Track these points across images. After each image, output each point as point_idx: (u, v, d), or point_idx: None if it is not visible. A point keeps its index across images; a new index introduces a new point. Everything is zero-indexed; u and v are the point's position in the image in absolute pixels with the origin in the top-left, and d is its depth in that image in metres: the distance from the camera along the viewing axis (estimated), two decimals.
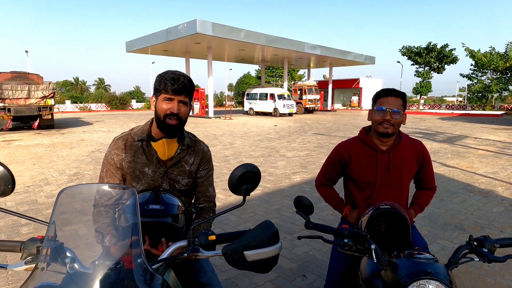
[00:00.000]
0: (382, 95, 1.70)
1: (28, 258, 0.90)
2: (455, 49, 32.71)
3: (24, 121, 15.10)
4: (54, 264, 0.79)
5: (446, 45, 32.83)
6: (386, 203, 1.56)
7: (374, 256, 1.15)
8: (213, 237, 1.01)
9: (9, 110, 13.83)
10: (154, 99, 1.42)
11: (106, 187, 1.02)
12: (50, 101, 14.91)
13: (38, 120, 14.77)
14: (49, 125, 15.35)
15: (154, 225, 1.18)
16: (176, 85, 1.33)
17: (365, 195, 1.76)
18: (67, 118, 22.84)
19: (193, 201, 1.64)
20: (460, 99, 51.90)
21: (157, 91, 1.39)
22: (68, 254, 0.81)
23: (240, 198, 1.18)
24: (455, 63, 33.23)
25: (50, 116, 15.07)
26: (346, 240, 1.21)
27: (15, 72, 15.39)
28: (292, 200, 5.09)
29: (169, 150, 1.45)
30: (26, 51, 30.87)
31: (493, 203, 4.53)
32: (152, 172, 1.43)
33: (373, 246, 1.16)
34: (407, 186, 1.78)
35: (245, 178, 1.12)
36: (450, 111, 31.08)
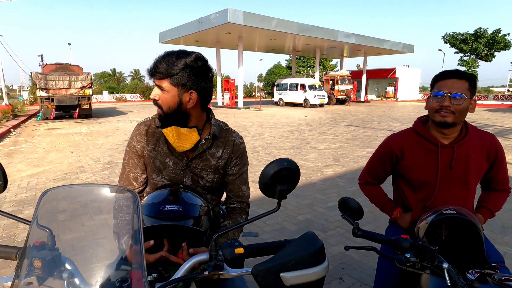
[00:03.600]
0: (440, 77, 1.41)
1: None
2: (508, 34, 29.87)
3: (65, 111, 15.89)
4: (49, 279, 0.64)
5: (499, 30, 30.03)
6: (450, 207, 1.29)
7: (447, 277, 0.91)
8: (240, 250, 0.81)
9: (52, 100, 14.60)
10: None
11: (102, 189, 0.86)
12: (88, 91, 15.54)
13: (77, 110, 15.49)
14: (87, 114, 16.04)
15: (173, 229, 1.02)
16: (150, 66, 1.13)
17: (420, 197, 1.49)
18: (104, 108, 23.83)
19: (222, 198, 1.46)
20: (511, 89, 47.68)
21: None
22: (68, 266, 0.66)
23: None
24: (508, 49, 30.35)
25: (88, 106, 15.73)
26: (407, 255, 0.97)
27: (58, 64, 16.23)
28: (324, 194, 4.76)
29: (181, 140, 1.22)
30: (69, 44, 32.58)
31: None
32: (173, 164, 1.27)
33: (445, 265, 0.92)
34: (474, 187, 1.48)
35: (281, 177, 0.89)
36: (499, 102, 28.64)
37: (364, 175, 1.69)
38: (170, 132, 1.22)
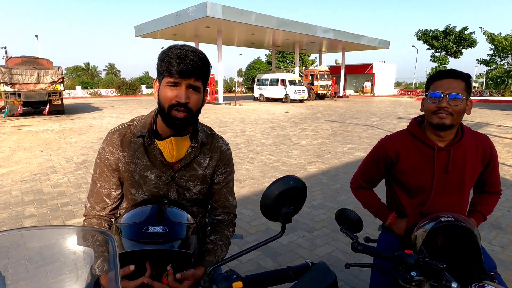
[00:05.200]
0: (436, 77, 1.35)
1: None
2: (474, 32, 31.47)
3: (34, 107, 15.06)
4: None
5: (466, 28, 31.50)
6: (448, 214, 1.24)
7: None
8: (239, 284, 0.70)
9: (19, 95, 13.78)
10: (156, 83, 1.09)
11: (67, 233, 0.71)
12: (60, 86, 14.79)
13: (48, 106, 14.70)
14: (59, 110, 15.28)
15: (158, 252, 0.90)
16: (183, 65, 0.98)
17: (416, 202, 1.44)
18: (77, 104, 22.84)
19: (208, 209, 1.34)
20: (476, 85, 50.10)
21: (159, 73, 1.05)
22: None
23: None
24: (474, 47, 31.94)
25: (59, 102, 14.99)
26: (413, 274, 0.90)
27: (25, 57, 15.29)
28: (309, 193, 4.66)
29: (179, 150, 1.13)
30: (37, 36, 30.82)
31: None
32: (155, 177, 1.12)
33: (454, 285, 0.85)
34: (468, 191, 1.45)
35: (285, 198, 0.78)
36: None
37: (357, 179, 1.62)
38: (169, 144, 1.11)
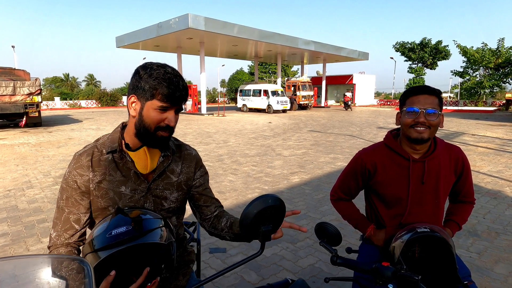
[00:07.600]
0: (412, 93, 1.42)
1: None
2: (448, 45, 33.15)
3: (9, 119, 14.52)
4: None
5: (440, 41, 33.07)
6: (424, 225, 1.28)
7: None
8: None
9: None
10: (134, 100, 1.05)
11: (40, 261, 0.67)
12: (37, 98, 14.34)
13: (24, 118, 14.21)
14: (36, 123, 14.79)
15: (131, 252, 0.86)
16: (178, 93, 1.03)
17: (394, 213, 1.48)
18: (56, 116, 22.18)
19: (202, 214, 1.35)
20: (452, 95, 52.39)
21: (143, 92, 1.02)
22: None
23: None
24: (447, 59, 33.52)
25: (37, 114, 14.50)
26: (390, 286, 0.92)
27: (0, 68, 14.78)
28: (292, 203, 4.69)
29: (152, 160, 1.14)
30: (13, 46, 29.93)
31: (504, 205, 4.32)
32: (131, 191, 1.11)
33: None
34: (444, 201, 1.50)
35: (264, 216, 0.79)
36: (443, 107, 31.12)
37: (336, 191, 1.65)
38: (143, 154, 1.12)
